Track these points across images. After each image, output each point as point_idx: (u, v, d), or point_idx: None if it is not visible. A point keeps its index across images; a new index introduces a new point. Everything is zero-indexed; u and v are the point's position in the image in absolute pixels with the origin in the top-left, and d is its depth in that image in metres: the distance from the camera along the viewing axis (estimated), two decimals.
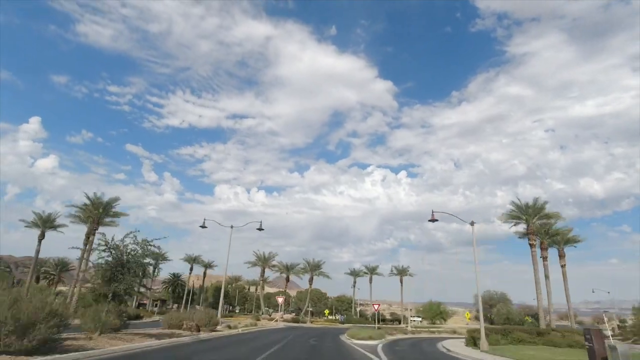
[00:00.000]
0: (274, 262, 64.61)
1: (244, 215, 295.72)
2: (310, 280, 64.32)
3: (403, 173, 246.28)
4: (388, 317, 78.99)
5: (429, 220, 23.50)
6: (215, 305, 46.49)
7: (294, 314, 73.43)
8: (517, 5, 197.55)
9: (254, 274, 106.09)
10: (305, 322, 51.56)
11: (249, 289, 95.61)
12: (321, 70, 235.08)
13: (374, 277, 68.82)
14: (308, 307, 62.72)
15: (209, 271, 74.06)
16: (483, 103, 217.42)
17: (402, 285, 66.80)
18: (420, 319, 69.72)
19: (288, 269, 64.90)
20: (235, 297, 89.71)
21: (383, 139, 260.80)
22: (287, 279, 66.35)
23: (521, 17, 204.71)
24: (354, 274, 70.22)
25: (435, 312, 68.51)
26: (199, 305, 65.27)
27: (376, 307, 44.47)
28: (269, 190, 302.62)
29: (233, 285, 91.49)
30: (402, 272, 68.10)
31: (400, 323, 60.35)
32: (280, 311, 58.48)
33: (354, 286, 68.98)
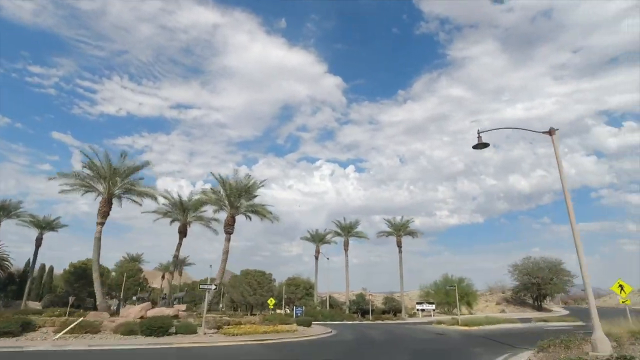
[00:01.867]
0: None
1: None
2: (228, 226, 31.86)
3: (351, 168, 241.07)
4: (380, 305, 56.92)
5: (476, 147, 15.32)
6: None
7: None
8: (457, 11, 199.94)
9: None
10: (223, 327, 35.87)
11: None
12: (271, 63, 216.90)
13: (331, 264, 56.74)
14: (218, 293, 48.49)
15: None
16: (427, 102, 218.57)
17: (400, 251, 49.39)
18: (432, 306, 49.35)
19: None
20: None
21: (332, 134, 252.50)
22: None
23: (461, 23, 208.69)
24: (318, 238, 57.18)
25: (453, 296, 48.89)
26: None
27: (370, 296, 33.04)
28: (216, 183, 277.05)
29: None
30: (402, 227, 50.03)
31: (398, 313, 48.33)
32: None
33: (317, 260, 55.94)
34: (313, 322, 34.86)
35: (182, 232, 35.32)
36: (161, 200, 33.18)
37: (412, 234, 50.84)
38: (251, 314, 65.10)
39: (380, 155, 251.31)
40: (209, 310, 26.16)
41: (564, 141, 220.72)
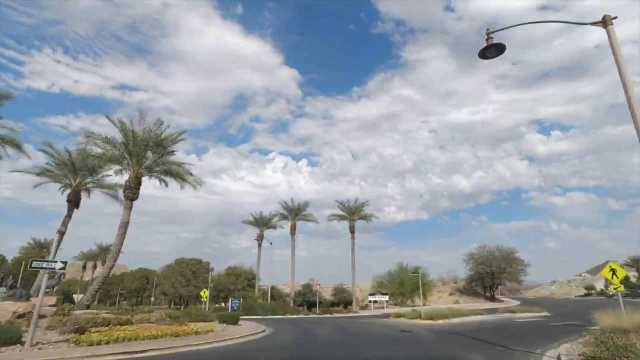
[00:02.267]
0: None
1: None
2: (129, 189, 25.73)
3: (304, 161, 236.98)
4: (329, 297, 51.02)
5: (485, 52, 9.71)
6: None
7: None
8: (412, 15, 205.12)
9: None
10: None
11: None
12: (226, 50, 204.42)
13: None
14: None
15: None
16: (381, 101, 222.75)
17: (353, 237, 44.16)
18: (386, 297, 43.86)
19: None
20: None
21: (286, 126, 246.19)
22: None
23: (415, 26, 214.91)
24: (262, 222, 50.14)
25: (411, 286, 47.06)
26: None
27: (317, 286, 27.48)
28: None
29: None
30: (356, 210, 44.78)
31: (349, 305, 42.88)
32: None
33: (260, 247, 49.15)
34: (247, 318, 28.47)
35: (73, 201, 26.70)
36: (42, 158, 24.47)
37: (366, 217, 45.99)
38: (185, 308, 57.10)
39: (333, 150, 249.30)
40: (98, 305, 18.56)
41: (502, 146, 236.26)
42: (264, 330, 18.62)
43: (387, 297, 44.54)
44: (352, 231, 44.85)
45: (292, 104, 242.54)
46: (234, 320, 20.02)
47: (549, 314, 29.68)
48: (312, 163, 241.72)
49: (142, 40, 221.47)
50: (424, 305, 48.40)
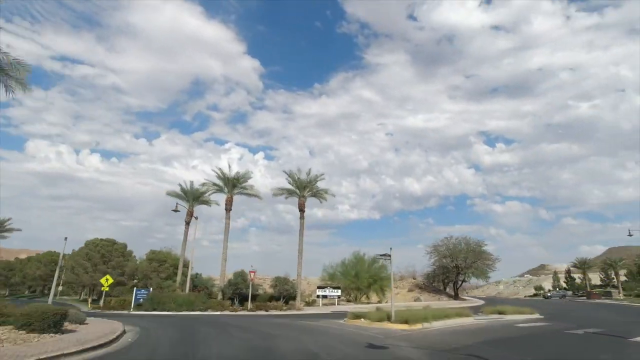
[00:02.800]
0: None
1: (70, 180, 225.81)
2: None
3: (261, 154, 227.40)
4: (269, 290, 39.85)
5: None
6: None
7: None
8: (377, 19, 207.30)
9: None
10: None
11: None
12: (185, 31, 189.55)
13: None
14: None
15: None
16: (341, 100, 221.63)
17: (302, 216, 35.70)
18: (338, 292, 35.83)
19: None
20: None
21: (245, 117, 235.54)
22: None
23: (378, 31, 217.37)
24: (192, 195, 39.25)
25: (368, 279, 40.00)
26: None
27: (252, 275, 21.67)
28: (107, 155, 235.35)
29: None
30: (308, 185, 36.01)
31: (292, 300, 32.50)
32: None
33: (188, 225, 38.73)
34: (141, 314, 19.07)
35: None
36: None
37: (319, 194, 37.70)
38: (92, 301, 45.66)
39: (291, 145, 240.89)
40: None
41: (452, 153, 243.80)
42: (112, 342, 9.47)
43: (339, 292, 36.61)
44: (302, 209, 36.31)
45: (252, 95, 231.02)
46: (57, 321, 10.49)
47: (542, 316, 23.35)
48: (269, 157, 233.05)
49: (90, 9, 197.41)
50: (380, 302, 41.45)
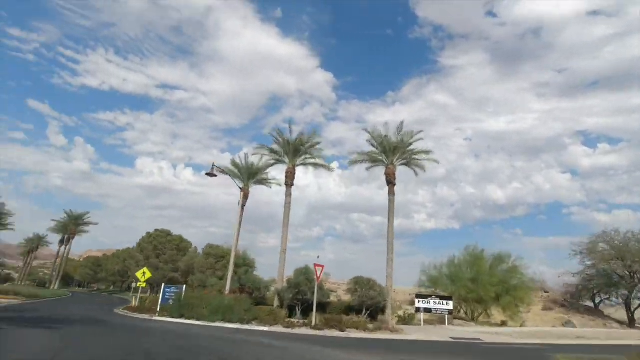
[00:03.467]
0: None
1: (169, 192, 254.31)
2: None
3: (335, 164, 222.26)
4: (345, 297, 28.73)
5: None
6: None
7: None
8: (451, 20, 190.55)
9: None
10: None
11: None
12: (263, 52, 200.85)
13: None
14: None
15: None
16: (414, 106, 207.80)
17: (392, 192, 24.72)
18: (448, 304, 23.50)
19: None
20: None
21: (319, 129, 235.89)
22: None
23: (453, 32, 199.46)
24: (247, 172, 30.20)
25: (495, 287, 26.44)
26: None
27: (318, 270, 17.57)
28: (198, 168, 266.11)
29: None
30: (398, 148, 25.06)
31: (380, 314, 21.21)
32: None
33: (243, 209, 29.89)
34: (145, 325, 9.94)
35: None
36: None
37: (414, 162, 26.04)
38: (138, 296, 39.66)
39: None
40: None
41: (541, 156, 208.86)
42: None
43: (450, 305, 24.23)
44: (391, 181, 25.00)
45: (326, 107, 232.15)
46: None
47: None
48: (343, 166, 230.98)
49: (185, 42, 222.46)
50: (506, 321, 27.64)
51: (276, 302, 24.22)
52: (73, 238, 71.22)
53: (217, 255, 42.44)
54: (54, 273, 75.33)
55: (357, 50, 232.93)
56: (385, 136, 25.46)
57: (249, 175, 31.31)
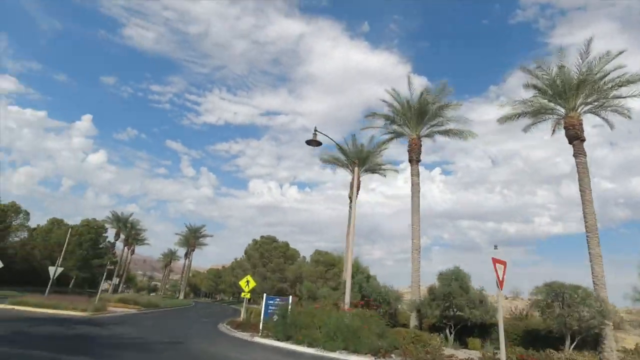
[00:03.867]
0: None
1: (277, 210, 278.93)
2: None
3: (437, 170, 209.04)
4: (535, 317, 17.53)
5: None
6: None
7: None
8: None
9: None
10: None
11: None
12: (353, 67, 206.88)
13: None
14: None
15: None
16: (524, 96, 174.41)
17: (580, 151, 17.38)
18: None
19: None
20: None
21: None
22: None
23: (566, 6, 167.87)
24: (357, 156, 26.66)
25: None
26: None
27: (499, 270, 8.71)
28: (302, 186, 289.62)
29: None
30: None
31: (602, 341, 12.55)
32: None
33: (353, 202, 25.11)
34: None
35: None
36: None
37: (611, 102, 16.53)
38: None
39: (468, 157, 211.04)
40: None
41: None
42: None
43: None
44: (578, 136, 16.09)
45: None
46: None
47: None
48: (445, 172, 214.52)
49: (282, 70, 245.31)
50: None
51: (413, 321, 17.22)
52: (193, 250, 75.57)
53: (326, 263, 37.33)
54: (182, 284, 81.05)
55: (451, 48, 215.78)
56: (561, 68, 16.66)
57: (359, 160, 25.32)
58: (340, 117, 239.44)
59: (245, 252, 39.86)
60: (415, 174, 20.04)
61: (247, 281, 24.53)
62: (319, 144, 15.04)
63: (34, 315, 18.15)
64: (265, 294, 17.37)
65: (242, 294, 24.62)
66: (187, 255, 76.32)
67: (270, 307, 17.16)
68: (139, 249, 72.04)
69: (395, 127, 21.89)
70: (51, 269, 26.43)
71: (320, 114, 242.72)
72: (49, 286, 27.06)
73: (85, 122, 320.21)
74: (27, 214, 44.06)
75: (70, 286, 46.09)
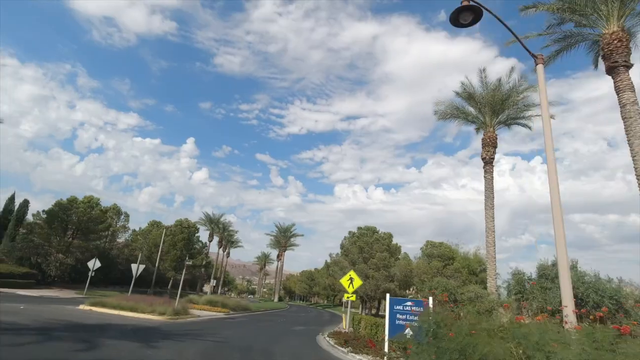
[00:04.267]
0: None
1: (363, 213, 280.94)
2: None
3: (537, 159, 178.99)
4: None
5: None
6: None
7: None
8: None
9: None
10: None
11: None
12: (432, 60, 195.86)
13: None
14: None
15: None
16: None
17: None
18: None
19: None
20: None
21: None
22: None
23: None
24: (490, 102, 18.17)
25: None
26: None
27: None
28: (387, 187, 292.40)
29: None
30: None
31: None
32: None
33: (490, 162, 17.51)
34: None
35: None
36: None
37: None
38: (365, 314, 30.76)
39: (576, 140, 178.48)
40: None
41: None
42: None
43: None
44: None
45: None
46: None
47: None
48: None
49: (359, 74, 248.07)
50: None
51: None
52: (285, 250, 73.04)
53: (443, 256, 29.31)
54: (275, 286, 79.31)
55: (543, 21, 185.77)
56: None
57: (493, 108, 17.39)
58: (422, 113, 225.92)
59: (342, 247, 33.95)
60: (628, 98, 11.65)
61: (351, 278, 18.32)
62: (474, 16, 7.91)
63: (104, 320, 14.60)
64: (388, 296, 10.77)
65: (345, 295, 18.50)
66: (279, 256, 74.19)
67: (398, 315, 10.53)
68: (238, 254, 72.34)
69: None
70: (134, 267, 23.97)
71: (401, 113, 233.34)
72: (131, 286, 24.61)
73: (189, 145, 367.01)
74: (128, 215, 44.75)
75: (169, 287, 45.73)
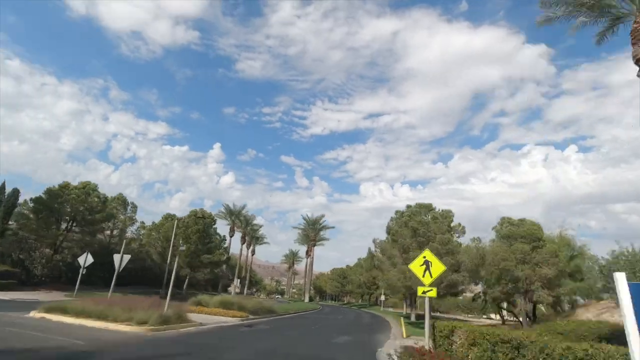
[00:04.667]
0: None
1: (390, 211, 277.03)
2: None
3: (572, 148, 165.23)
4: None
5: None
6: None
7: None
8: None
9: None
10: None
11: None
12: (454, 53, 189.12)
13: None
14: None
15: None
16: None
17: None
18: None
19: None
20: None
21: (539, 112, 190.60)
22: None
23: None
24: None
25: None
26: None
27: None
28: (413, 184, 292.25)
29: None
30: None
31: None
32: None
33: None
34: None
35: None
36: None
37: None
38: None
39: (615, 126, 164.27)
40: None
41: None
42: None
43: None
44: None
45: (544, 84, 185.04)
46: None
47: None
48: (583, 148, 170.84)
49: (380, 71, 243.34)
50: None
51: None
52: (314, 245, 66.51)
53: (528, 238, 21.59)
54: (305, 285, 72.91)
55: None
56: None
57: None
58: (446, 107, 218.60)
59: (388, 231, 26.68)
60: None
61: (426, 262, 11.33)
62: None
63: (38, 336, 8.48)
64: (619, 276, 4.03)
65: (419, 289, 11.55)
66: (307, 252, 67.67)
67: None
68: (266, 255, 66.68)
69: None
70: (116, 258, 17.99)
71: (424, 108, 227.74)
72: (112, 283, 18.53)
73: (216, 150, 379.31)
74: (135, 206, 39.53)
75: (185, 287, 40.15)
